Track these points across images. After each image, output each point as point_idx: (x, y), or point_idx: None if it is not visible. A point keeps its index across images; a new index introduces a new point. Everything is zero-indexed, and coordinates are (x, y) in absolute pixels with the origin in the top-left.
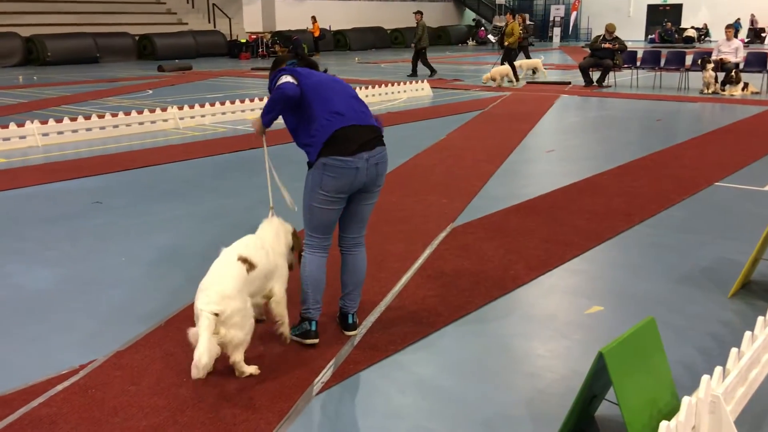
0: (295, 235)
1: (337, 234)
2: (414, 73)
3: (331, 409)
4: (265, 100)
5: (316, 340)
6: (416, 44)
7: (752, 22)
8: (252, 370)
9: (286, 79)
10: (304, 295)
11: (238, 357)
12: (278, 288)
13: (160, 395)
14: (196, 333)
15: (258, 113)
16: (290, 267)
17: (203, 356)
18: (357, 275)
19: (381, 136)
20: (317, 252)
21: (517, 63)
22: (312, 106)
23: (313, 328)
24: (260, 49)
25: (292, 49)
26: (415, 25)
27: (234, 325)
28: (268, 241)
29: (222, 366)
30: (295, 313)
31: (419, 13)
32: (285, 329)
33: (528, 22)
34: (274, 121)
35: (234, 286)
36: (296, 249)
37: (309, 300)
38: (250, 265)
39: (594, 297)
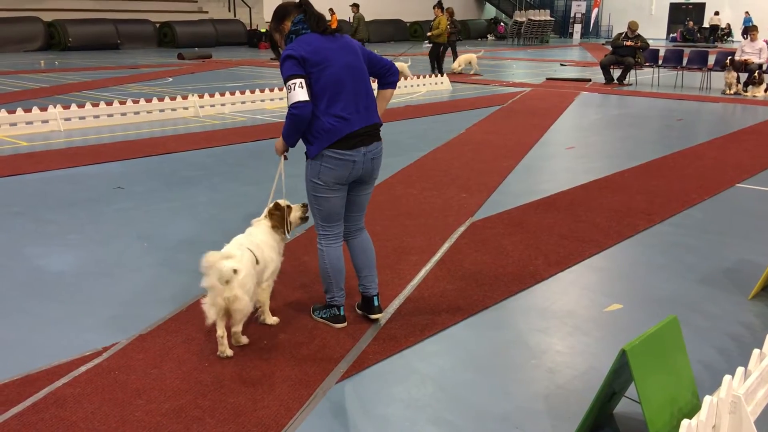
0: (285, 207)
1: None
2: None
3: (351, 398)
4: (281, 90)
5: (345, 324)
6: (352, 36)
7: None
8: (245, 340)
9: (300, 95)
10: (327, 285)
11: (238, 328)
12: (267, 277)
13: (182, 379)
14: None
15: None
16: (304, 219)
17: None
18: (366, 255)
19: (378, 132)
20: (332, 242)
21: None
22: (318, 105)
23: (341, 312)
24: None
25: (300, 3)
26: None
27: (245, 291)
28: (261, 240)
29: (243, 353)
30: (304, 298)
31: (355, 5)
32: (266, 315)
33: (454, 17)
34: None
35: (249, 262)
36: (288, 214)
37: (333, 288)
38: (256, 260)
39: (613, 295)
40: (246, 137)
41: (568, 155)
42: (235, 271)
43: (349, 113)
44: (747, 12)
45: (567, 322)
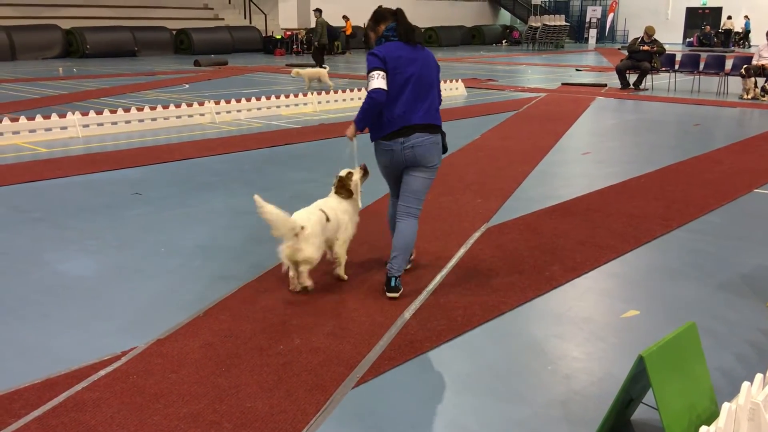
0: (352, 174)
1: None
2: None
3: (367, 404)
4: (296, 97)
5: (396, 294)
6: (318, 41)
7: None
8: (309, 283)
9: (379, 83)
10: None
11: (304, 269)
12: (341, 235)
13: (199, 383)
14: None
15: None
16: (365, 176)
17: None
18: (402, 239)
19: (425, 128)
20: (394, 201)
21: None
22: (387, 103)
23: (392, 284)
24: (295, 46)
25: (395, 12)
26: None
27: (311, 244)
28: (333, 205)
29: (259, 357)
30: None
31: (318, 11)
32: (341, 270)
33: (354, 26)
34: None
35: (317, 221)
36: (349, 179)
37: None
38: (327, 218)
39: (630, 301)
40: (262, 143)
41: (585, 161)
42: (302, 228)
43: (403, 112)
44: (746, 16)
45: (583, 328)
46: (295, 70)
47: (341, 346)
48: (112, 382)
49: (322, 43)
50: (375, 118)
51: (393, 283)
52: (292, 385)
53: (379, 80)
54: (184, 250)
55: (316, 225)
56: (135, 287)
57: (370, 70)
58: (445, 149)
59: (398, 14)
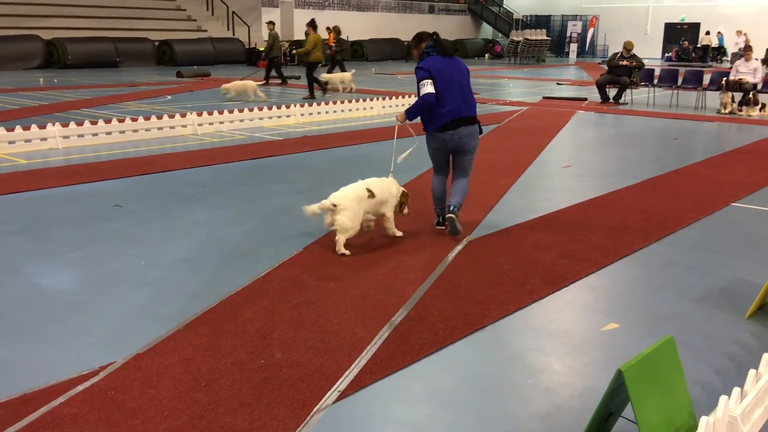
0: (404, 194)
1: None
2: (276, 78)
3: (348, 419)
4: (279, 108)
5: (443, 227)
6: (266, 54)
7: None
8: (346, 252)
9: (430, 89)
10: (434, 202)
11: (341, 238)
12: (387, 212)
13: (178, 399)
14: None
15: (401, 109)
16: (402, 211)
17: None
18: (459, 186)
19: (470, 121)
20: (437, 176)
21: (329, 75)
22: (436, 103)
23: (440, 219)
24: (291, 57)
25: (434, 34)
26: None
27: (345, 215)
28: (386, 184)
29: (239, 372)
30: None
31: (271, 23)
32: (392, 232)
33: (340, 35)
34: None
35: (354, 197)
36: (404, 203)
37: (435, 204)
38: (371, 193)
39: (610, 314)
40: (245, 155)
41: (565, 174)
42: (334, 205)
43: (453, 108)
44: (720, 32)
45: (564, 341)
46: (223, 86)
47: (322, 360)
48: (90, 398)
49: (271, 56)
50: (426, 115)
51: (452, 208)
52: (273, 399)
53: (429, 86)
54: (164, 263)
55: (352, 201)
56: (114, 301)
57: (420, 79)
58: (480, 132)
59: (435, 35)
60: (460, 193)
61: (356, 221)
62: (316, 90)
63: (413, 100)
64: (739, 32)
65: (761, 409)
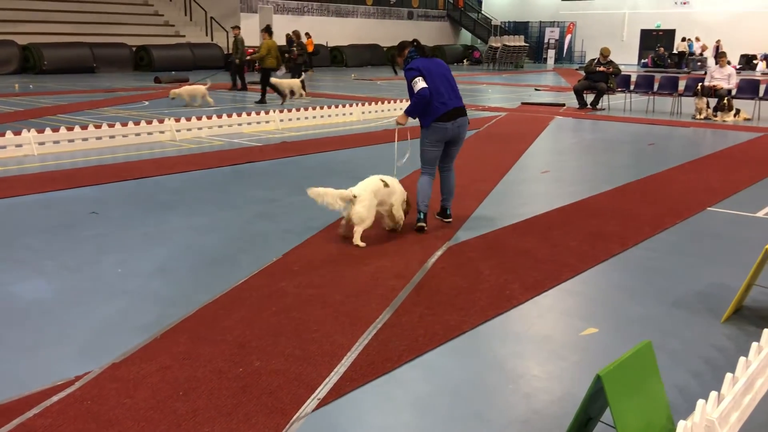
0: (407, 202)
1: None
2: (240, 87)
3: (327, 427)
4: (258, 114)
5: (423, 224)
6: (239, 59)
7: (717, 48)
8: (361, 244)
9: (423, 83)
10: (419, 199)
11: (359, 229)
12: (396, 201)
13: (155, 409)
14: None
15: (400, 113)
16: (406, 213)
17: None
18: (448, 186)
19: (463, 111)
20: (427, 175)
21: (277, 81)
22: (431, 100)
23: (422, 217)
24: (257, 63)
25: (414, 41)
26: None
27: (362, 206)
28: (394, 180)
29: (218, 380)
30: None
31: (236, 27)
32: (400, 224)
33: (317, 44)
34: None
35: (371, 189)
36: (407, 207)
37: (419, 201)
38: (385, 184)
39: (589, 319)
40: (223, 161)
41: (544, 179)
42: (354, 197)
43: (446, 99)
44: (688, 39)
45: (543, 346)
46: (172, 91)
47: (302, 367)
48: (66, 408)
49: (239, 59)
50: (423, 109)
51: (448, 212)
52: (251, 408)
53: (421, 82)
54: (142, 271)
55: (370, 192)
56: (91, 309)
57: (411, 79)
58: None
59: (416, 41)
60: (452, 192)
61: (372, 212)
62: (270, 93)
63: (393, 105)
64: (697, 39)
65: (738, 413)
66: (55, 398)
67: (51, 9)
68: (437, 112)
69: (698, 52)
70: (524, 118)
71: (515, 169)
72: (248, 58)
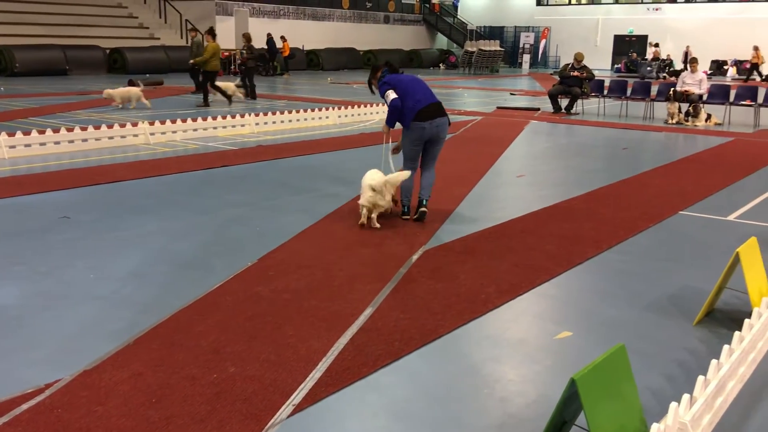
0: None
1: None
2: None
3: None
4: (233, 118)
5: (407, 217)
6: (197, 61)
7: (686, 54)
8: (377, 225)
9: (393, 95)
10: (402, 193)
11: (375, 215)
12: (387, 195)
13: (127, 416)
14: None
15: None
16: (395, 202)
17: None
18: (427, 179)
19: (441, 110)
20: (409, 170)
21: (224, 84)
22: (405, 99)
23: (406, 210)
24: (232, 66)
25: (386, 63)
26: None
27: (381, 197)
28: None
29: (191, 387)
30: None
31: (194, 30)
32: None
33: (293, 47)
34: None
35: (383, 181)
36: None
37: (404, 197)
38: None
39: (563, 322)
40: (198, 165)
41: (519, 183)
42: (373, 189)
43: (419, 97)
44: (653, 43)
45: (519, 350)
46: (106, 91)
47: (277, 373)
48: (35, 417)
49: (193, 63)
50: (400, 116)
51: (424, 203)
52: (225, 415)
53: (392, 94)
54: (114, 276)
55: (383, 184)
56: (61, 315)
57: (384, 92)
58: (449, 123)
59: (387, 62)
60: (430, 186)
61: (388, 201)
62: (213, 94)
63: (370, 109)
64: (655, 45)
65: (710, 415)
66: (24, 406)
67: (23, 11)
68: (413, 111)
69: (650, 57)
70: (500, 122)
71: (491, 173)
72: (191, 61)
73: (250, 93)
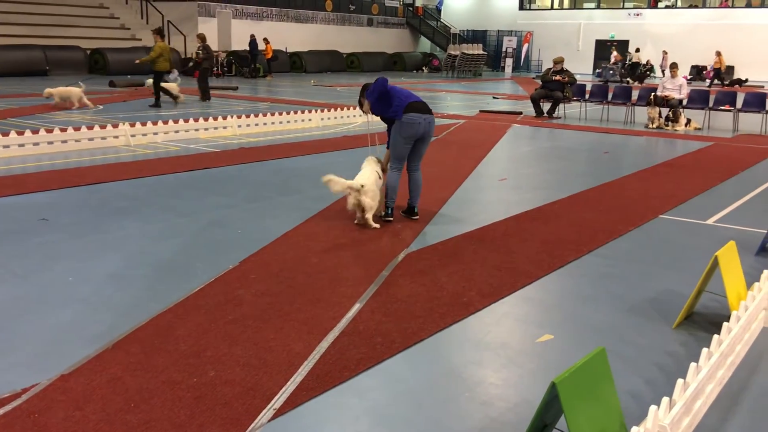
0: (379, 160)
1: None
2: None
3: None
4: (215, 120)
5: (391, 218)
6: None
7: (663, 59)
8: (376, 225)
9: (382, 79)
10: (388, 194)
11: (368, 215)
12: (378, 191)
13: (106, 421)
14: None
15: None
16: (384, 170)
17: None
18: (416, 185)
19: (429, 109)
20: (396, 171)
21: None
22: (394, 96)
23: (390, 212)
24: (215, 68)
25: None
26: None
27: (369, 196)
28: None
29: (171, 391)
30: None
31: (158, 33)
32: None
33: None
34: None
35: (373, 180)
36: (382, 167)
37: (388, 197)
38: (379, 176)
39: (545, 325)
40: (179, 167)
41: (501, 187)
42: (362, 186)
43: (407, 95)
44: (638, 48)
45: (500, 353)
46: (46, 90)
47: (257, 377)
48: (12, 422)
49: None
50: (391, 109)
51: (416, 210)
52: (206, 419)
53: (381, 80)
54: (94, 279)
55: (373, 184)
56: (39, 319)
57: (369, 95)
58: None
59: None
60: (419, 190)
61: (376, 199)
62: (165, 97)
63: (353, 111)
64: (630, 52)
65: (689, 418)
66: (0, 411)
67: (2, 10)
68: (405, 103)
69: (611, 62)
70: (482, 126)
71: (473, 176)
72: (137, 61)
73: (203, 94)
